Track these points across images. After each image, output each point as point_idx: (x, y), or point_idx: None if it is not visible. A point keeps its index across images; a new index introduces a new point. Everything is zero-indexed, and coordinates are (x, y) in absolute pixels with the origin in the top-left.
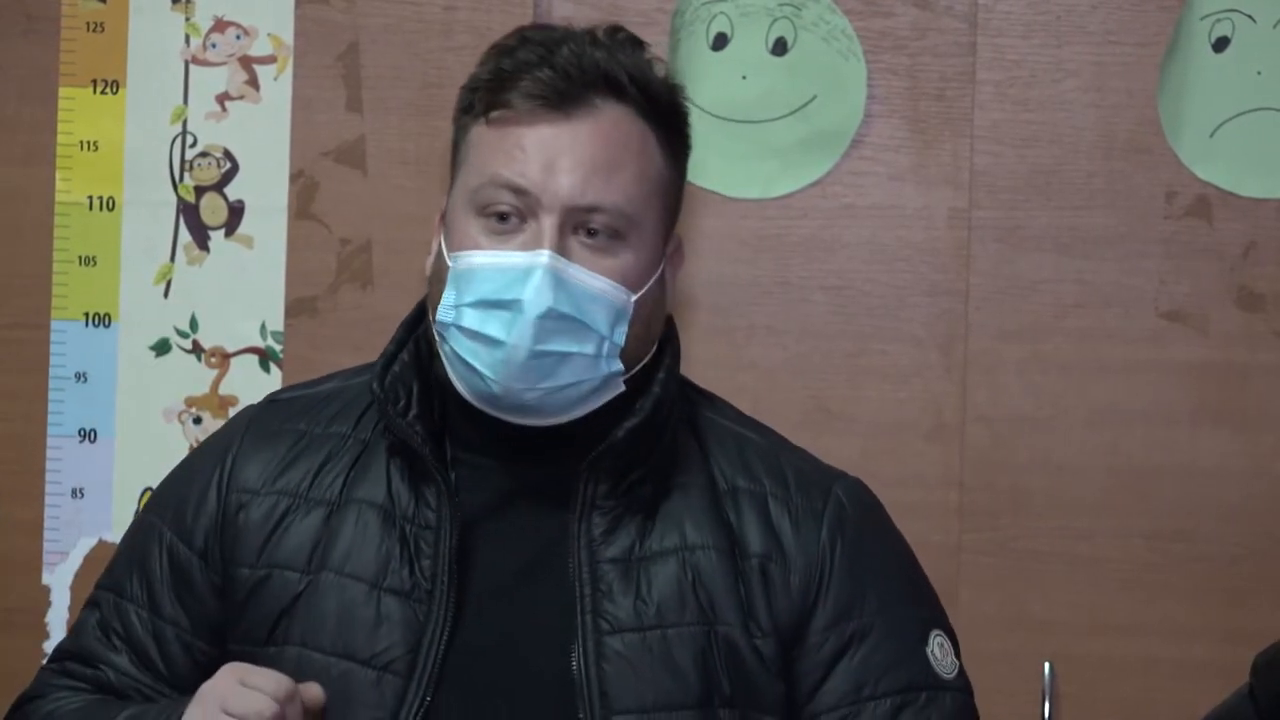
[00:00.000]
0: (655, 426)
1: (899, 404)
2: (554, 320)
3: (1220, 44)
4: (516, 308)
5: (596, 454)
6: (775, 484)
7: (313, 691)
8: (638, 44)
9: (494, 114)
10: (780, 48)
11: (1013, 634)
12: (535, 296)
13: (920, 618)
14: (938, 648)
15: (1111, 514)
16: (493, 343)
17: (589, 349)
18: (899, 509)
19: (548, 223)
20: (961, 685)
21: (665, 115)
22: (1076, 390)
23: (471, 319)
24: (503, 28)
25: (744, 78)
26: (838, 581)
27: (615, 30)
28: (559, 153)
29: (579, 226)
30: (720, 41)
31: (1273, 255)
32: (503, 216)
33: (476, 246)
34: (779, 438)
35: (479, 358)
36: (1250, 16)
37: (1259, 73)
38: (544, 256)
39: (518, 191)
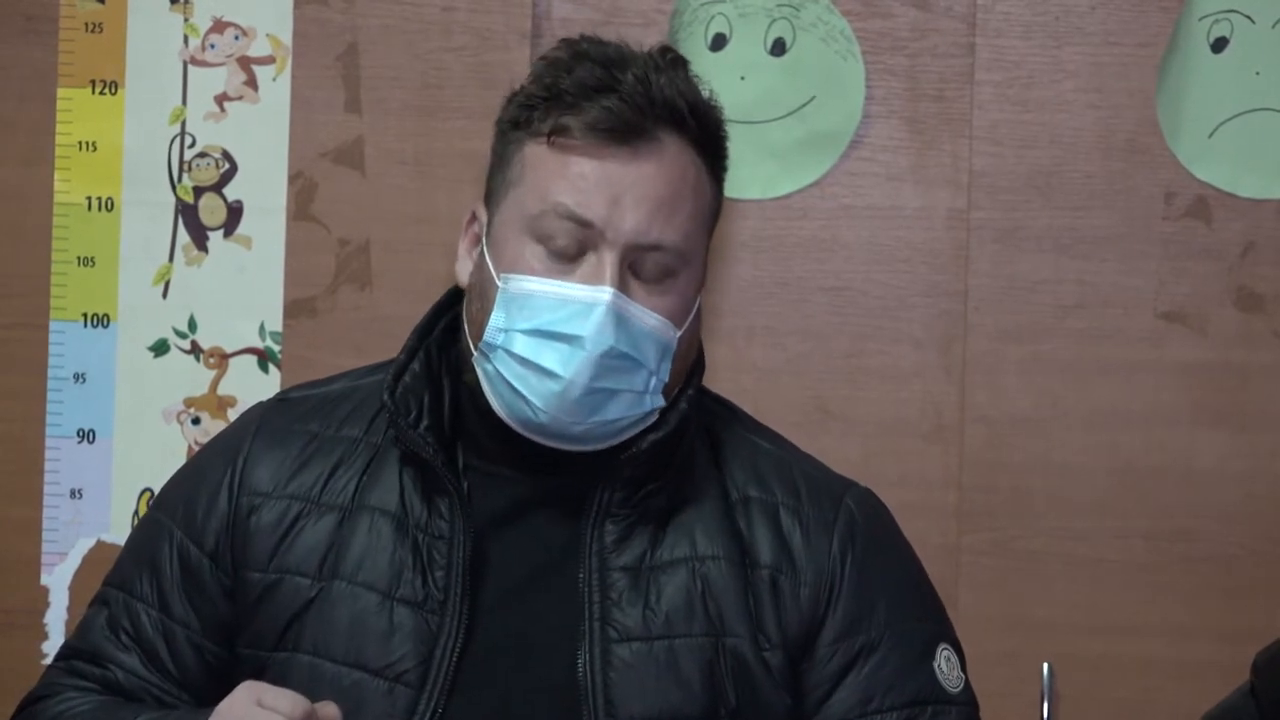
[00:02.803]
0: (677, 439)
1: (898, 405)
2: (612, 358)
3: (1219, 44)
4: (577, 343)
5: (619, 462)
6: (786, 494)
7: (329, 712)
8: (685, 64)
9: (557, 138)
10: (779, 48)
11: (1012, 634)
12: (597, 334)
13: (928, 632)
14: (944, 662)
15: (1111, 514)
16: (547, 374)
17: (638, 386)
18: (899, 509)
19: (609, 258)
20: (967, 699)
21: (713, 143)
22: (1076, 391)
23: (524, 346)
24: (503, 28)
25: (742, 78)
26: (847, 595)
27: (666, 51)
28: (624, 189)
29: (636, 263)
30: (719, 42)
31: (1271, 255)
32: (561, 246)
33: (532, 272)
34: (791, 446)
35: (529, 386)
36: (1249, 17)
37: (1257, 73)
38: (607, 294)
39: (581, 224)
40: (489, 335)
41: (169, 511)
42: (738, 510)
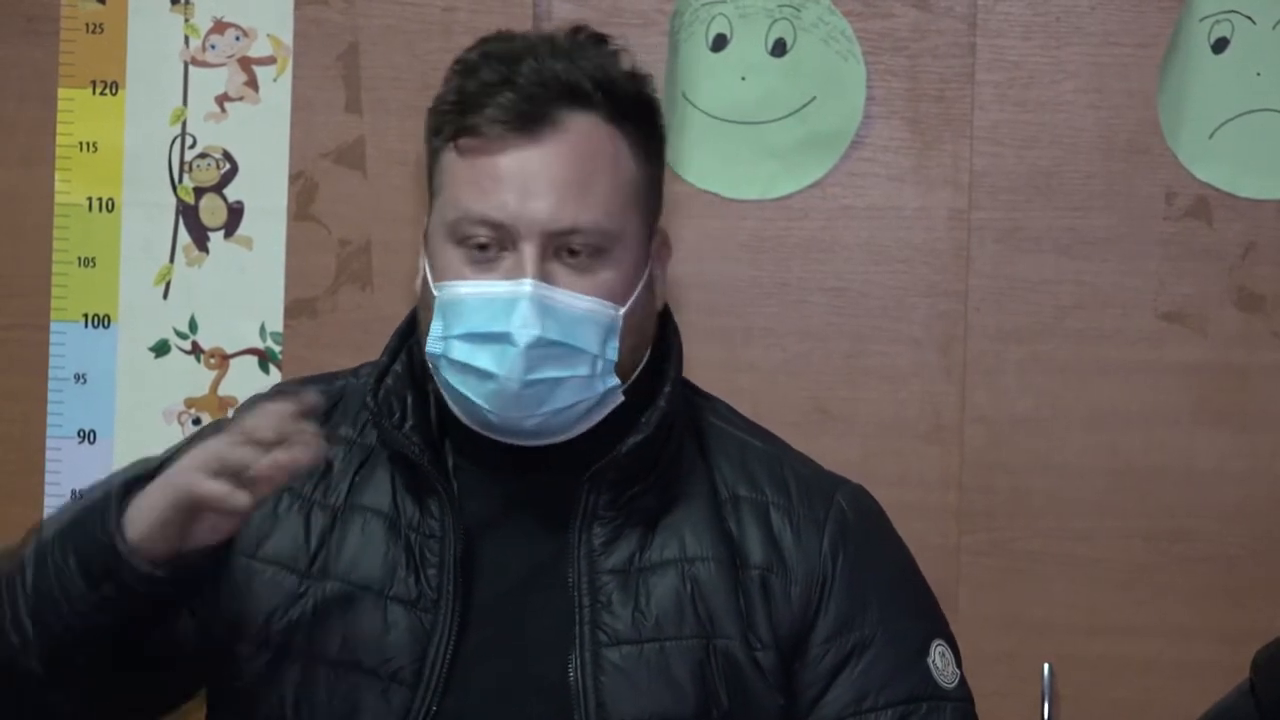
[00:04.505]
0: (659, 440)
1: (898, 405)
2: (543, 348)
3: (1219, 45)
4: (506, 340)
5: (600, 467)
6: (777, 492)
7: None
8: (601, 41)
9: (462, 141)
10: (779, 49)
11: (1012, 635)
12: (522, 327)
13: (921, 628)
14: (939, 658)
15: (1111, 515)
16: (484, 375)
17: (582, 370)
18: (898, 510)
19: (527, 250)
20: (963, 695)
21: (633, 114)
22: (1076, 391)
23: (460, 351)
24: (503, 27)
25: (743, 79)
26: (839, 592)
27: (576, 31)
28: (530, 178)
29: (560, 248)
30: (720, 43)
31: (1272, 256)
32: (482, 246)
33: (459, 276)
34: (782, 444)
35: (471, 389)
36: (1249, 18)
37: (1258, 74)
38: (526, 285)
39: (494, 225)
40: (431, 345)
41: None
42: (727, 510)
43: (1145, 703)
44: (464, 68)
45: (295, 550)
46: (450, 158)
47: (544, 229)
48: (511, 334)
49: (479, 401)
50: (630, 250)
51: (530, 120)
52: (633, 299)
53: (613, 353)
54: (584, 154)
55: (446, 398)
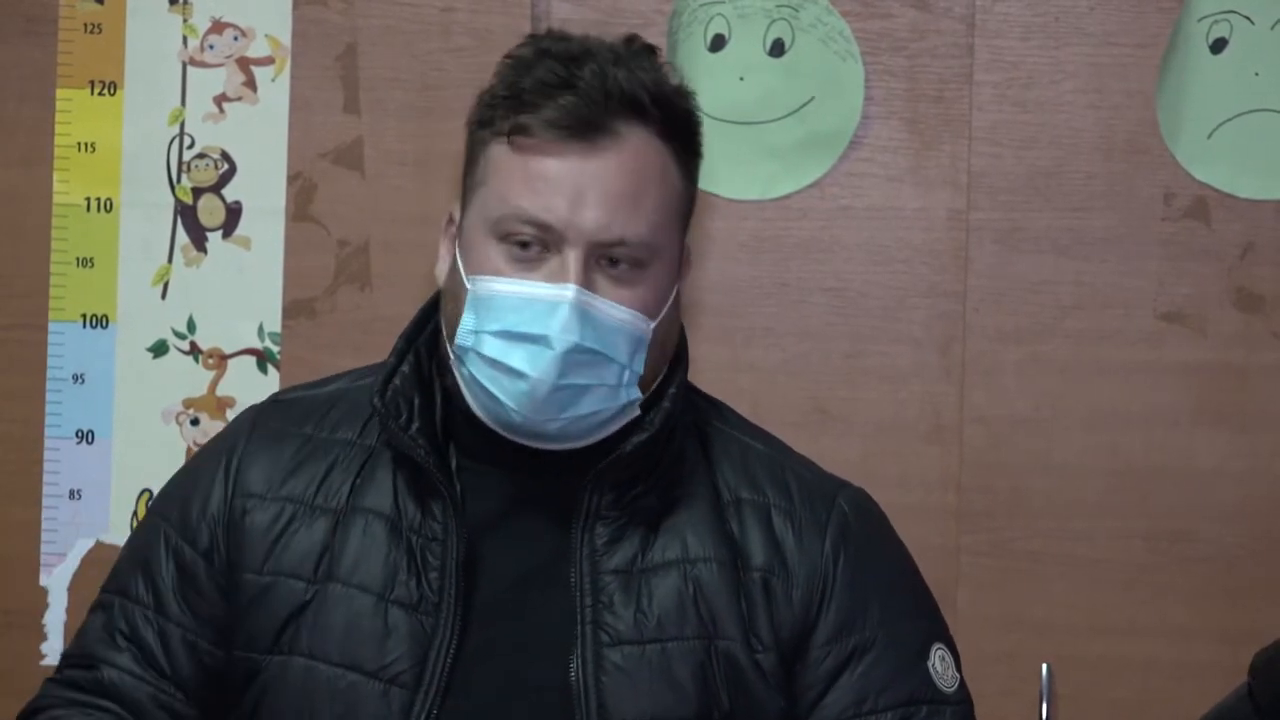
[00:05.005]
0: (663, 440)
1: (897, 405)
2: (579, 355)
3: (1218, 45)
4: (543, 342)
5: (603, 466)
6: (778, 495)
7: None
8: (652, 52)
9: (516, 138)
10: (778, 49)
11: (1011, 635)
12: (562, 332)
13: (922, 631)
14: (939, 661)
15: (1110, 515)
16: (516, 374)
17: (610, 380)
18: (897, 511)
19: (572, 256)
20: (962, 698)
21: (682, 131)
22: (1075, 391)
23: (493, 348)
24: (502, 29)
25: (742, 79)
26: (840, 595)
27: (631, 40)
28: (584, 186)
29: (601, 257)
30: (718, 43)
31: (1271, 256)
32: (525, 244)
33: (498, 273)
34: (783, 446)
35: (500, 386)
36: (1248, 18)
37: (1257, 74)
38: (570, 291)
39: (542, 227)
40: (460, 338)
41: (163, 514)
42: (729, 512)
43: (1145, 703)
44: (517, 63)
45: (303, 558)
46: (500, 152)
47: (592, 238)
48: (550, 337)
49: (506, 400)
50: (666, 266)
51: (590, 128)
52: (663, 314)
53: (640, 365)
54: (637, 168)
55: (466, 392)
